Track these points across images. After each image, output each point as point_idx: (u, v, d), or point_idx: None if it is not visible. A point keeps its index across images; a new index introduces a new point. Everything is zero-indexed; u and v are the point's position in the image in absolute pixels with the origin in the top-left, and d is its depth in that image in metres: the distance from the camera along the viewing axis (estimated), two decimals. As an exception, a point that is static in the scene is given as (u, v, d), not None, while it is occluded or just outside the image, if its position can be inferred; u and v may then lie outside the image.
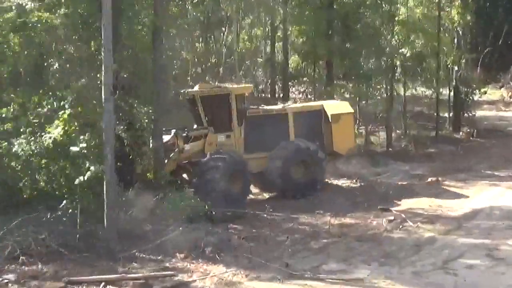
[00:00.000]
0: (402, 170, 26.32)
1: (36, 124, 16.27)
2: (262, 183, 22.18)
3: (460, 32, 34.72)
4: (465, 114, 35.04)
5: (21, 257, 14.49)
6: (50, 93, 17.03)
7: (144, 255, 15.35)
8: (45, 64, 18.31)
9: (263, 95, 38.29)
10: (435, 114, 33.50)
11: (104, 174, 15.08)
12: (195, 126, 21.61)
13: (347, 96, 29.78)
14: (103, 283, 13.64)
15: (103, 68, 15.14)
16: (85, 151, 15.60)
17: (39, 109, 16.66)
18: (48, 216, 15.43)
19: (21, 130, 16.18)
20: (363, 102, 30.94)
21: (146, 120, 19.50)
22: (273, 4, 36.11)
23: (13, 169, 16.09)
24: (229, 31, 39.27)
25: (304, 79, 38.64)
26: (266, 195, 22.49)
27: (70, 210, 15.47)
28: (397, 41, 31.49)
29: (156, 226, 16.75)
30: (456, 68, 34.19)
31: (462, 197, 21.82)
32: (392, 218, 19.08)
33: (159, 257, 15.35)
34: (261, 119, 22.02)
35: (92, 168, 15.28)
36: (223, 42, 40.07)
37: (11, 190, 16.07)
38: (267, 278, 14.35)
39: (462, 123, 34.63)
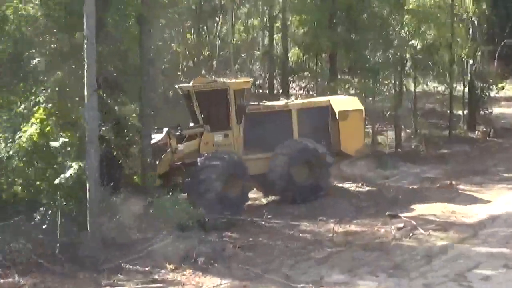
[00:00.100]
0: (412, 172, 26.37)
1: (9, 125, 16.22)
2: (264, 186, 22.18)
3: (476, 22, 34.79)
4: (481, 112, 35.12)
5: (-4, 268, 14.49)
6: (29, 90, 17.04)
7: (130, 266, 15.32)
8: (24, 58, 18.27)
9: (261, 91, 38.33)
10: (448, 111, 33.58)
11: (86, 175, 15.07)
12: (191, 124, 21.64)
13: (352, 92, 29.78)
14: (85, 297, 13.69)
15: (85, 62, 15.14)
16: (67, 149, 15.56)
17: (17, 108, 16.63)
18: (26, 223, 15.40)
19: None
20: (370, 98, 30.97)
21: (131, 119, 19.51)
22: (271, -9, 36.26)
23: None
24: (224, 21, 39.33)
25: (305, 73, 38.71)
26: (264, 200, 22.50)
27: (50, 217, 15.45)
28: (407, 32, 31.54)
29: (144, 234, 16.76)
30: (471, 61, 34.27)
31: (478, 202, 21.84)
32: (401, 225, 19.10)
33: (147, 268, 15.32)
34: (262, 117, 22.02)
35: (74, 165, 15.21)
36: (217, 33, 40.12)
37: (-15, 195, 16.06)
38: (265, 291, 14.38)
39: (478, 121, 34.71)
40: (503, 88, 38.27)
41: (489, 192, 23.14)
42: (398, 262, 16.12)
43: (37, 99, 16.23)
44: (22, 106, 16.64)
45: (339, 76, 33.25)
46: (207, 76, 25.23)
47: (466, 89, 34.67)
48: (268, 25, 40.07)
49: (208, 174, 19.56)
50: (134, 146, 19.72)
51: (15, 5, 17.80)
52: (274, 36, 40.05)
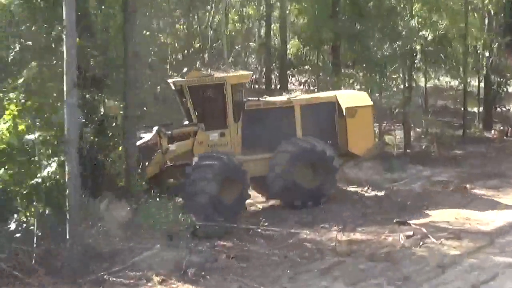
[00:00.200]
0: (422, 175, 26.40)
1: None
2: (264, 190, 22.18)
3: (492, 12, 34.82)
4: (498, 109, 35.23)
5: (-34, 281, 14.48)
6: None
7: (114, 278, 15.28)
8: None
9: (257, 86, 38.39)
10: (462, 109, 33.64)
11: (66, 176, 15.01)
12: (186, 122, 21.60)
13: (357, 87, 29.83)
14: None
15: (64, 55, 15.09)
16: (44, 148, 15.50)
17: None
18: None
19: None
20: (376, 95, 30.98)
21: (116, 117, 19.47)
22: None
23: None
24: (216, 10, 39.32)
25: (306, 67, 38.76)
26: (260, 206, 22.49)
27: (26, 224, 15.40)
28: (417, 21, 31.56)
29: (129, 243, 16.73)
30: (486, 54, 34.31)
31: (494, 208, 21.85)
32: (410, 233, 19.10)
33: (132, 281, 15.28)
34: (262, 114, 22.01)
35: (52, 163, 15.13)
36: (209, 24, 40.12)
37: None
38: (261, 305, 14.42)
39: (494, 119, 34.81)
40: (521, 83, 38.43)
41: (506, 197, 23.15)
42: (407, 274, 16.11)
43: (10, 94, 16.17)
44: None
45: (342, 70, 33.32)
46: (202, 69, 25.06)
47: (482, 85, 34.74)
48: (265, 14, 40.08)
49: (203, 174, 19.48)
50: (118, 146, 19.65)
51: None
52: (272, 26, 40.11)
